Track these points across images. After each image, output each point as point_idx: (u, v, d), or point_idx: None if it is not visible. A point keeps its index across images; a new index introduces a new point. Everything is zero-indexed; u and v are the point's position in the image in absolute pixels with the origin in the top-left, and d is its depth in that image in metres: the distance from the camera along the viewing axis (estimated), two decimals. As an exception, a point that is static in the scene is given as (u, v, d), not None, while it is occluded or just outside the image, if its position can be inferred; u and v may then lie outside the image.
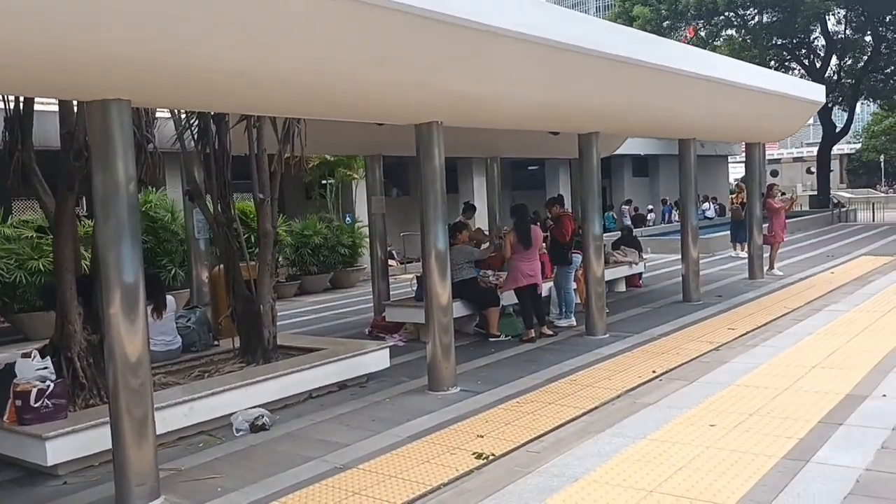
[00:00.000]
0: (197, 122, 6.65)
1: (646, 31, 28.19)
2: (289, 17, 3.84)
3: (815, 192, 35.75)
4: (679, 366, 6.55)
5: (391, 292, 10.91)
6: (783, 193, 16.77)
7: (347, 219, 17.52)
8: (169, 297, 6.89)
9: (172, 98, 4.81)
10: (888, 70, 32.21)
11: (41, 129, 6.05)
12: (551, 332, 8.61)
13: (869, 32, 31.00)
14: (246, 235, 7.75)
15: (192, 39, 3.55)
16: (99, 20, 3.21)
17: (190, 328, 7.06)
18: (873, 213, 29.78)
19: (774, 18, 30.11)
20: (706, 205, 26.54)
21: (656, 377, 6.20)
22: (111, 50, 3.46)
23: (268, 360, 6.45)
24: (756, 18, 31.13)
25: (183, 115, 6.86)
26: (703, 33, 31.43)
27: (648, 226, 25.52)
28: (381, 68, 4.90)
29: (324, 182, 17.79)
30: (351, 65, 4.69)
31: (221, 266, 7.56)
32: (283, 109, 5.81)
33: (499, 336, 8.56)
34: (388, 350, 6.88)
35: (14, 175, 5.60)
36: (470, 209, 11.52)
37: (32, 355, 4.82)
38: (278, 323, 6.85)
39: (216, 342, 7.34)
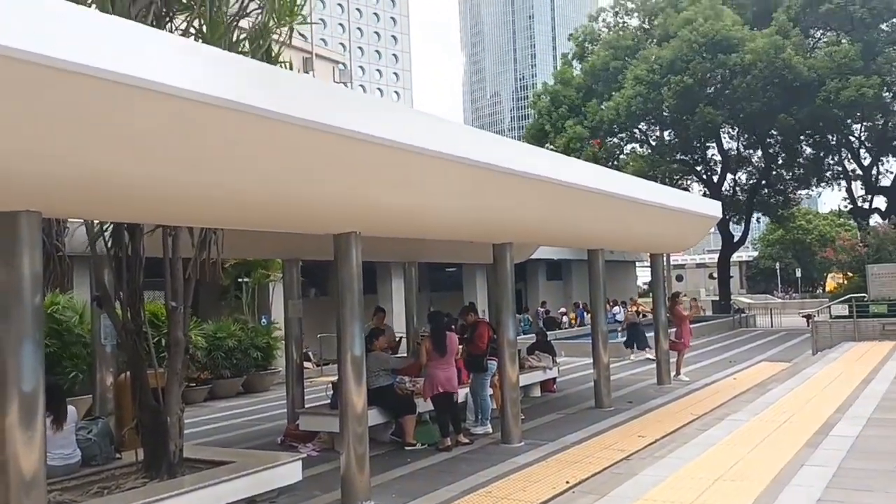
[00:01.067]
0: (110, 227, 6.56)
1: (555, 146, 29.84)
2: (201, 133, 3.93)
3: (718, 298, 37.54)
4: (591, 476, 6.62)
5: (306, 397, 10.70)
6: (692, 298, 18.10)
7: (263, 320, 17.23)
8: (70, 408, 6.57)
9: (84, 210, 4.78)
10: (778, 186, 34.81)
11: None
12: (467, 441, 8.59)
13: (759, 150, 33.59)
14: (155, 339, 7.54)
15: (102, 156, 3.58)
16: (8, 139, 3.22)
17: (91, 440, 6.72)
18: (771, 317, 31.33)
19: (675, 136, 32.35)
20: (616, 308, 27.40)
21: (569, 488, 6.25)
22: (21, 165, 3.46)
23: (173, 474, 6.18)
24: (658, 135, 33.38)
25: (96, 222, 6.76)
26: (608, 144, 33.34)
27: (563, 328, 26.07)
28: (296, 183, 5.02)
29: (240, 281, 17.55)
30: (265, 179, 4.79)
31: (128, 373, 7.30)
32: (197, 221, 5.83)
33: (415, 444, 8.48)
34: (300, 462, 6.71)
35: None
36: (379, 311, 11.53)
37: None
38: (186, 431, 6.61)
39: (118, 455, 6.98)
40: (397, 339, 11.54)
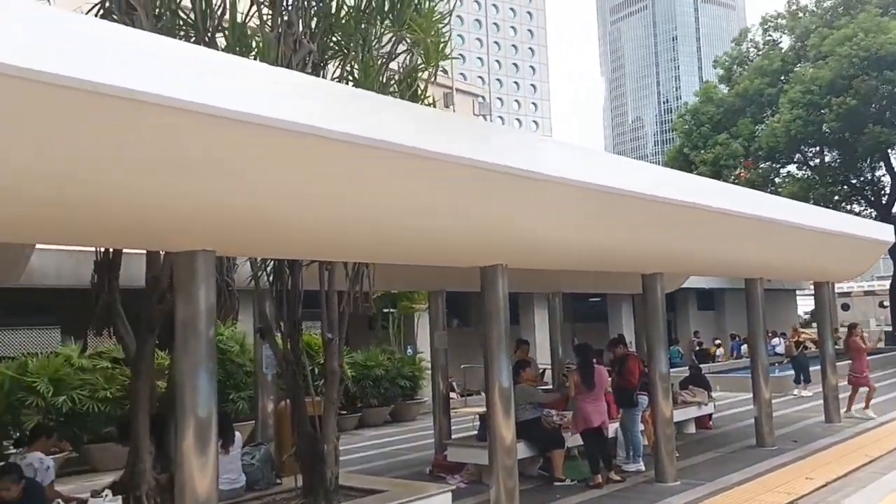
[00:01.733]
0: (272, 263, 6.94)
1: (701, 171, 28.60)
2: (362, 176, 4.09)
3: (890, 328, 34.40)
4: (756, 521, 6.22)
5: (452, 428, 10.78)
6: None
7: (409, 350, 17.59)
8: (236, 434, 6.97)
9: (253, 248, 5.09)
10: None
11: (124, 268, 6.43)
12: (619, 478, 8.31)
13: (935, 167, 30.76)
14: (310, 367, 7.88)
15: (272, 201, 3.82)
16: (189, 185, 3.49)
17: (254, 465, 7.08)
18: (954, 350, 28.33)
19: (838, 157, 30.25)
20: (776, 340, 25.76)
21: (732, 533, 5.89)
22: (200, 209, 3.74)
23: (329, 501, 6.38)
24: (818, 157, 31.33)
25: (259, 258, 7.19)
26: (760, 169, 31.61)
27: (717, 361, 24.79)
28: (447, 218, 5.11)
29: (386, 311, 18.05)
30: (418, 216, 4.91)
31: (287, 401, 7.65)
32: (352, 256, 6.05)
33: (564, 480, 8.30)
34: (450, 494, 6.73)
35: (99, 315, 5.92)
36: (522, 344, 11.40)
37: (104, 494, 4.90)
38: (339, 458, 6.82)
39: (279, 480, 7.32)
40: (541, 371, 11.41)
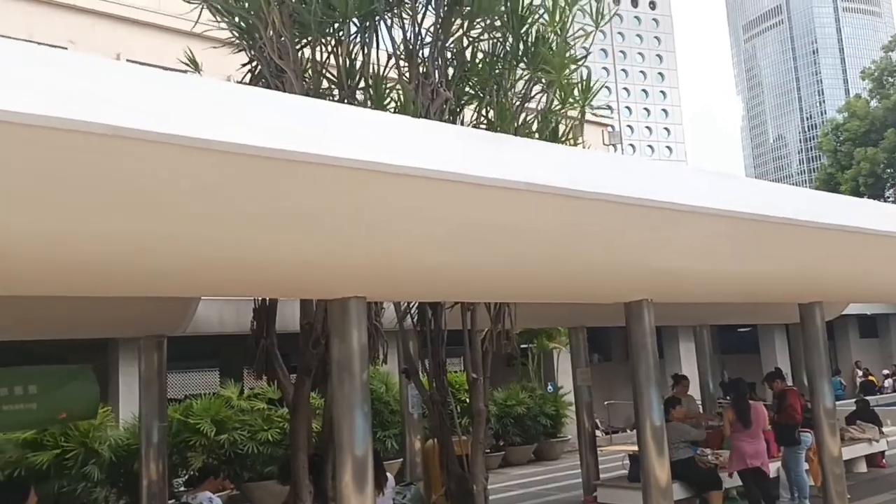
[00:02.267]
0: (415, 305, 7.13)
1: (843, 191, 26.75)
2: (512, 219, 4.14)
3: None
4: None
5: (600, 467, 10.50)
6: None
7: (549, 387, 17.39)
8: (389, 475, 7.12)
9: (401, 293, 5.25)
10: None
11: (279, 313, 6.80)
12: (784, 522, 7.80)
13: None
14: (455, 406, 7.96)
15: (427, 248, 3.94)
16: (347, 238, 3.66)
17: (405, 505, 7.21)
18: None
19: None
20: (954, 369, 23.47)
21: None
22: (355, 261, 3.92)
23: (481, 542, 6.39)
24: None
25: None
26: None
27: (884, 393, 22.83)
28: (593, 255, 5.06)
29: (523, 347, 17.97)
30: (567, 254, 4.89)
31: (435, 441, 7.76)
32: (497, 297, 6.11)
33: (723, 523, 7.89)
34: (603, 537, 6.56)
35: (259, 360, 6.29)
36: (681, 380, 11.02)
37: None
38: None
39: (429, 520, 7.41)
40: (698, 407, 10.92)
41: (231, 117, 2.61)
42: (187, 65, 6.63)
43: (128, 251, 3.00)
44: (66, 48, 23.88)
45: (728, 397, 9.01)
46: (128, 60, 25.24)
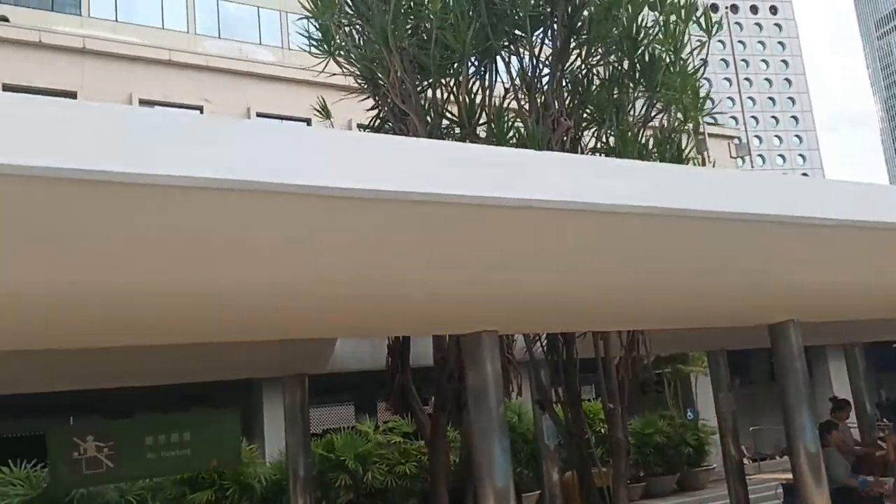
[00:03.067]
0: (546, 334, 7.08)
1: None
2: (654, 245, 4.06)
3: None
4: None
5: (750, 497, 9.93)
6: None
7: (689, 415, 16.73)
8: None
9: (533, 326, 5.25)
10: None
11: (412, 348, 6.94)
12: (966, 557, 7.10)
13: None
14: (589, 435, 7.81)
15: (565, 280, 3.93)
16: (488, 276, 3.71)
17: (547, 539, 7.10)
18: None
19: None
20: None
21: None
22: (490, 297, 3.97)
23: (628, 577, 6.20)
24: None
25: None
26: None
27: None
28: (734, 276, 4.87)
29: (658, 372, 17.38)
30: (707, 276, 4.74)
31: (573, 473, 7.63)
32: (633, 325, 5.98)
33: (893, 558, 7.27)
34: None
35: (395, 395, 6.44)
36: (843, 406, 10.17)
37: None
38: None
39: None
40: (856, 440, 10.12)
41: (356, 162, 2.72)
42: (319, 112, 6.98)
43: (282, 297, 3.19)
44: (202, 107, 25.68)
45: (887, 419, 8.35)
46: (257, 114, 26.84)
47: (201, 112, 24.80)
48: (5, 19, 26.50)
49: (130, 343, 4.32)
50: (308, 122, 24.56)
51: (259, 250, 2.67)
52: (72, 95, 22.80)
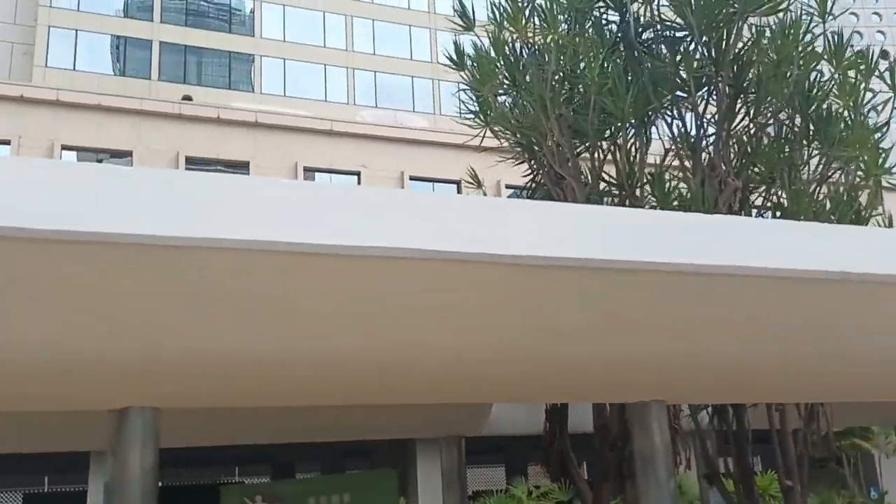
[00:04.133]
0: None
1: None
2: (846, 309, 3.81)
3: None
4: None
5: None
6: None
7: (872, 493, 15.19)
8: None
9: (703, 396, 5.02)
10: None
11: (570, 413, 6.78)
12: None
13: None
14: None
15: (735, 350, 3.75)
16: (662, 342, 3.61)
17: None
18: None
19: None
20: None
21: None
22: (658, 366, 3.84)
23: None
24: None
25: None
26: None
27: None
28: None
29: (838, 445, 15.93)
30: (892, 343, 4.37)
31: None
32: (813, 397, 5.58)
33: None
34: None
35: (554, 462, 6.30)
36: None
37: None
38: None
39: None
40: None
41: (543, 230, 2.75)
42: (470, 182, 7.15)
43: (460, 361, 3.26)
44: (359, 172, 27.03)
45: None
46: (410, 178, 27.86)
47: (358, 178, 26.14)
48: (189, 98, 29.38)
49: (307, 403, 4.54)
50: (458, 184, 25.25)
51: (446, 317, 2.75)
52: (244, 165, 24.77)
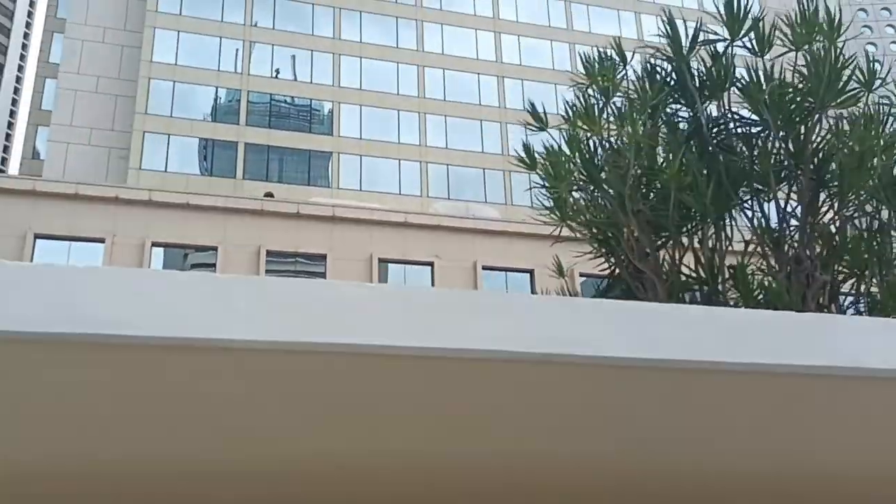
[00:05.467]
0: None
1: None
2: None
3: None
4: None
5: None
6: None
7: None
8: None
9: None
10: None
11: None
12: None
13: None
14: None
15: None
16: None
17: None
18: None
19: None
20: None
21: None
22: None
23: None
24: None
25: None
26: None
27: None
28: None
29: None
30: None
31: None
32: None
33: None
34: None
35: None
36: None
37: None
38: None
39: None
40: None
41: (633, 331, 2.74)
42: (553, 272, 7.16)
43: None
44: (433, 262, 27.38)
45: None
46: (483, 267, 28.02)
47: (431, 267, 26.49)
48: (271, 195, 30.65)
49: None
50: (531, 272, 25.26)
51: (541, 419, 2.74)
52: (322, 258, 25.47)
